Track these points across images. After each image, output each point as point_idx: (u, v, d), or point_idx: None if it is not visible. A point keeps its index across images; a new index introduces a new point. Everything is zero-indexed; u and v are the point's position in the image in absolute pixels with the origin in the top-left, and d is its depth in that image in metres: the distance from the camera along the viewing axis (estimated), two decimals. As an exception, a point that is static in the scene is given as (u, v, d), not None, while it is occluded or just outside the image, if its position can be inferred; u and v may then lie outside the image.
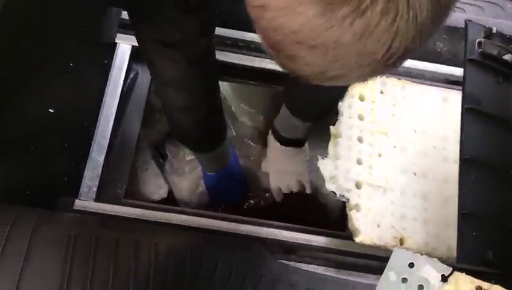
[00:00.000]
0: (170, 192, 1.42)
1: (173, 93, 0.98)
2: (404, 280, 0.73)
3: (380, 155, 1.09)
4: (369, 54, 0.43)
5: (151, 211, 1.04)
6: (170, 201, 1.39)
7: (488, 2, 1.45)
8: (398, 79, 1.18)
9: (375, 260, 1.05)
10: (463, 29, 1.00)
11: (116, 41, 1.17)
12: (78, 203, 1.03)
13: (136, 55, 1.19)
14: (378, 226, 1.04)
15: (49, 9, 1.15)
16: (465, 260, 0.85)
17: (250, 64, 1.20)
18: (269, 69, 1.20)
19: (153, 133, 1.39)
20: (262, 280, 0.96)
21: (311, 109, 1.13)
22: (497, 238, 0.87)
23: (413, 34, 0.43)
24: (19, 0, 1.15)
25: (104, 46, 1.17)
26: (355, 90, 1.13)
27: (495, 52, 0.97)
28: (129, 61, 1.18)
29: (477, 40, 0.97)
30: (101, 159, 1.09)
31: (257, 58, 1.20)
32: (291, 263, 1.04)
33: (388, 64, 0.45)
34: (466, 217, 0.87)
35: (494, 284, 0.72)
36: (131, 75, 1.20)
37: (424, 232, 1.05)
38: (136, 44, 1.16)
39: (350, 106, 1.11)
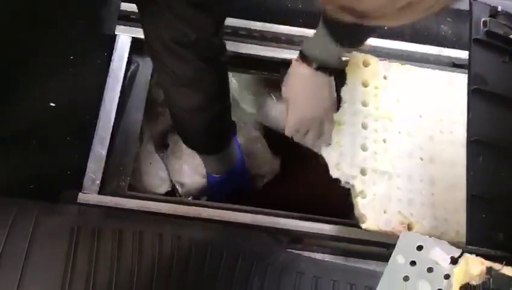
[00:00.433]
0: (174, 185, 1.41)
1: (186, 93, 0.96)
2: (413, 263, 0.72)
3: (384, 141, 1.08)
4: None
5: (155, 203, 1.03)
6: (174, 194, 1.39)
7: (493, -17, 1.43)
8: (402, 64, 1.16)
9: (382, 247, 1.04)
10: (467, 11, 0.98)
11: (116, 33, 1.16)
12: (82, 197, 1.03)
13: (136, 47, 1.18)
14: (384, 212, 1.02)
15: (48, 2, 1.14)
16: (474, 243, 0.84)
17: (250, 53, 1.19)
18: (270, 57, 1.19)
19: (155, 126, 1.39)
20: (269, 269, 0.94)
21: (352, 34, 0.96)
22: (507, 220, 0.85)
23: None
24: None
25: (104, 38, 1.16)
26: (358, 76, 1.11)
27: (501, 31, 0.95)
28: (129, 53, 1.16)
29: (482, 20, 0.95)
30: (104, 152, 1.08)
31: (258, 46, 1.18)
32: (298, 252, 1.02)
33: None
34: (475, 199, 0.86)
35: (504, 265, 0.70)
36: (132, 67, 1.19)
37: (432, 217, 1.04)
38: (136, 35, 1.17)
39: (353, 92, 1.10)
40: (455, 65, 1.21)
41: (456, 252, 0.71)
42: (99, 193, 1.06)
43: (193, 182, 1.32)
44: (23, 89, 1.10)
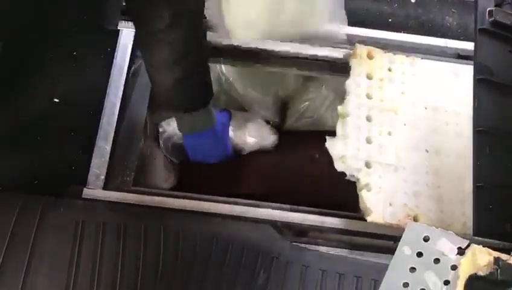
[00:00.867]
0: (180, 181, 1.41)
1: (158, 46, 0.96)
2: (419, 254, 0.71)
3: (389, 133, 1.07)
4: None
5: (160, 198, 1.03)
6: (179, 190, 1.38)
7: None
8: (407, 56, 1.15)
9: (388, 240, 1.03)
10: (472, 2, 0.97)
11: (119, 28, 1.16)
12: (86, 192, 1.02)
13: (139, 42, 1.18)
14: (390, 204, 1.02)
15: (50, -2, 1.14)
16: (482, 234, 0.83)
17: (253, 46, 1.18)
18: (275, 51, 1.18)
19: (159, 120, 1.38)
20: (275, 262, 0.94)
21: None
22: (513, 210, 0.84)
23: None
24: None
25: (107, 33, 1.15)
26: (362, 68, 1.10)
27: (507, 21, 0.94)
28: (133, 47, 1.16)
29: (488, 9, 0.94)
30: (108, 147, 1.08)
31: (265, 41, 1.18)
32: (304, 245, 1.02)
33: None
34: (481, 190, 0.85)
35: (512, 255, 0.69)
36: (136, 62, 1.18)
37: (438, 210, 1.03)
38: (139, 30, 1.17)
39: (358, 85, 1.09)
40: (460, 56, 1.20)
41: (463, 243, 0.70)
42: (104, 188, 1.06)
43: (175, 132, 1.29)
44: (27, 86, 1.10)
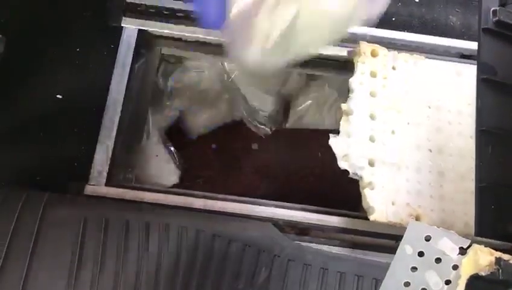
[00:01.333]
0: (182, 178, 1.41)
1: None
2: (421, 253, 0.71)
3: (393, 132, 1.07)
4: None
5: (162, 195, 1.03)
6: (181, 187, 1.39)
7: (503, -26, 1.41)
8: (411, 54, 1.15)
9: (390, 239, 1.03)
10: (476, 2, 0.97)
11: (122, 25, 1.16)
12: (89, 188, 1.03)
13: (143, 39, 1.18)
14: (393, 203, 1.01)
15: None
16: (483, 234, 0.82)
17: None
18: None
19: (162, 118, 1.39)
20: (276, 260, 0.94)
21: None
22: (515, 209, 0.84)
23: None
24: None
25: (110, 30, 1.15)
26: (366, 66, 1.10)
27: (510, 20, 0.94)
28: (136, 45, 1.16)
29: (492, 9, 0.93)
30: (110, 143, 1.08)
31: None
32: (305, 244, 1.02)
33: None
34: (484, 190, 0.85)
35: (515, 256, 0.69)
36: (139, 59, 1.18)
37: (441, 209, 1.03)
38: (143, 27, 1.17)
39: (361, 83, 1.09)
40: (463, 56, 1.19)
41: (465, 243, 0.70)
42: (106, 184, 1.06)
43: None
44: (30, 82, 1.10)
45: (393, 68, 1.11)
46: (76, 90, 1.11)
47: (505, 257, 0.69)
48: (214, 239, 0.89)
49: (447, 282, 0.69)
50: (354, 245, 1.05)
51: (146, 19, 1.17)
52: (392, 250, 0.97)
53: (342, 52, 1.17)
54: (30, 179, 1.04)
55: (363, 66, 1.10)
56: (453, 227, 1.02)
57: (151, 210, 0.91)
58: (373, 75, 1.10)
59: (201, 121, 1.44)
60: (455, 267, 0.69)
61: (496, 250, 0.73)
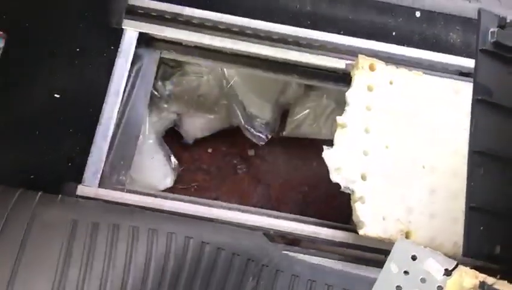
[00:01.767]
0: (176, 181, 1.41)
1: None
2: (406, 272, 0.71)
3: (387, 147, 1.07)
4: None
5: (153, 199, 1.03)
6: (175, 190, 1.39)
7: (505, -7, 1.41)
8: (409, 70, 1.15)
9: (380, 253, 1.03)
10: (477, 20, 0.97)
11: (123, 27, 1.16)
12: (81, 189, 1.03)
13: (143, 42, 1.18)
14: (383, 219, 1.02)
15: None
16: (471, 255, 0.83)
17: (256, 52, 1.18)
18: (278, 58, 1.18)
19: (159, 120, 1.39)
20: (264, 270, 0.94)
21: None
22: (505, 233, 0.84)
23: None
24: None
25: (110, 31, 1.15)
26: (364, 80, 1.10)
27: (509, 42, 0.94)
28: (136, 47, 1.16)
29: (490, 30, 0.94)
30: (106, 145, 1.09)
31: (264, 46, 1.18)
32: (294, 254, 1.02)
33: None
34: (474, 211, 0.85)
35: (499, 279, 0.69)
36: (138, 62, 1.19)
37: (431, 227, 1.03)
38: (143, 30, 1.17)
39: (358, 96, 1.09)
40: (462, 74, 1.20)
41: (451, 264, 0.71)
42: (99, 186, 1.06)
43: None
44: (29, 79, 1.11)
45: (391, 83, 1.12)
46: (74, 90, 1.12)
47: (489, 280, 0.69)
48: (203, 246, 0.89)
49: (431, 302, 0.70)
50: (344, 258, 1.06)
51: (147, 22, 1.17)
52: (382, 265, 0.97)
53: (341, 64, 1.17)
54: (24, 177, 1.04)
55: (360, 79, 1.10)
56: (442, 245, 1.02)
57: (141, 215, 0.91)
58: (370, 89, 1.10)
59: (198, 125, 1.44)
60: (440, 288, 0.70)
61: (483, 271, 0.73)
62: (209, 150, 1.48)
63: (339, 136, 1.06)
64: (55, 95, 1.11)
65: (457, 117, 1.11)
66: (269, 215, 1.08)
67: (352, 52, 1.18)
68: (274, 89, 1.42)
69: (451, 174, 1.07)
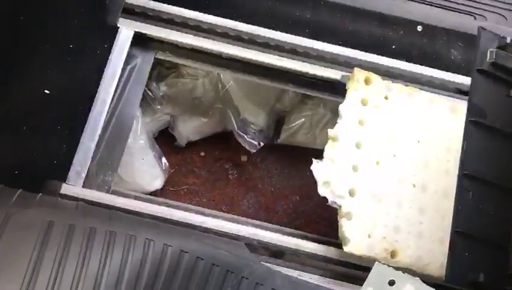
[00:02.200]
0: (166, 183, 1.40)
1: None
2: (383, 297, 0.69)
3: (378, 163, 1.05)
4: None
5: (136, 202, 1.02)
6: (165, 192, 1.38)
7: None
8: (406, 85, 1.13)
9: (365, 271, 1.01)
10: (480, 37, 0.95)
11: (118, 25, 1.15)
12: (65, 188, 1.02)
13: (138, 41, 1.16)
14: (369, 236, 0.99)
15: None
16: (453, 280, 0.81)
17: (253, 58, 1.16)
18: (273, 65, 1.17)
19: (152, 122, 1.37)
20: (244, 282, 0.92)
21: None
22: (490, 260, 0.82)
23: None
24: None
25: (105, 29, 1.14)
26: (358, 93, 1.08)
27: (508, 63, 0.92)
28: (130, 46, 1.15)
29: (489, 50, 0.92)
30: (93, 144, 1.07)
31: (260, 53, 1.16)
32: (277, 267, 1.00)
33: None
34: (459, 235, 0.83)
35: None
36: (132, 61, 1.17)
37: (418, 247, 1.01)
38: (139, 30, 1.15)
39: (351, 110, 1.07)
40: (460, 92, 1.17)
41: (429, 292, 0.69)
42: (84, 185, 1.05)
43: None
44: (19, 74, 1.09)
45: (386, 98, 1.10)
46: (65, 87, 1.10)
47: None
48: (181, 255, 0.87)
49: (407, 330, 0.68)
50: (327, 273, 1.04)
51: (143, 22, 1.16)
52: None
53: (337, 75, 1.15)
54: (8, 172, 1.02)
55: (354, 92, 1.08)
56: (428, 266, 1.00)
57: (120, 220, 0.90)
58: (364, 103, 1.08)
59: (192, 128, 1.42)
60: (416, 315, 0.68)
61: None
62: (202, 154, 1.47)
63: (329, 149, 1.04)
64: (45, 91, 1.09)
65: (452, 136, 1.09)
66: (253, 225, 1.06)
67: (349, 64, 1.16)
68: (270, 95, 1.40)
69: (442, 194, 1.05)
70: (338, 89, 1.15)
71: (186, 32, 1.16)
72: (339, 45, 1.17)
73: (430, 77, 1.17)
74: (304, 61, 1.17)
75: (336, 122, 1.06)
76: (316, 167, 1.02)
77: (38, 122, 1.07)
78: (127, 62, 1.15)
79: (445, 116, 1.11)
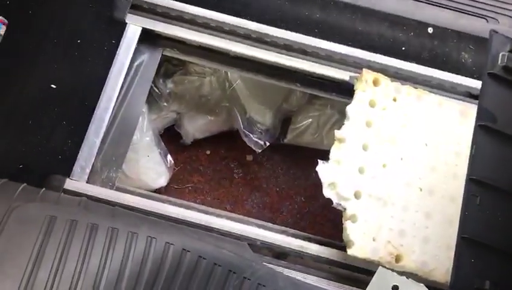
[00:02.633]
0: (171, 181, 1.39)
1: None
2: (386, 303, 0.68)
3: (384, 166, 1.04)
4: None
5: (140, 199, 1.01)
6: (169, 190, 1.37)
7: (525, 14, 1.36)
8: (415, 87, 1.11)
9: (368, 275, 0.99)
10: (492, 40, 0.93)
11: (126, 21, 1.14)
12: (69, 183, 1.01)
13: (145, 38, 1.16)
14: (373, 240, 0.98)
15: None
16: (459, 287, 0.79)
17: (260, 57, 1.15)
18: (281, 64, 1.15)
19: (158, 119, 1.37)
20: (246, 282, 0.91)
21: None
22: (496, 268, 0.81)
23: None
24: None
25: (113, 24, 1.14)
26: (366, 95, 1.07)
27: (520, 68, 0.90)
28: (138, 43, 1.14)
29: (501, 53, 0.90)
30: (98, 140, 1.07)
31: (268, 52, 1.15)
32: (280, 269, 1.00)
33: None
34: (466, 241, 0.82)
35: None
36: (139, 58, 1.17)
37: (423, 252, 0.99)
38: (147, 26, 1.15)
39: (359, 111, 1.06)
40: (471, 95, 1.16)
41: (434, 298, 0.67)
42: (88, 181, 1.04)
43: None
44: (27, 69, 1.09)
45: (394, 100, 1.08)
46: (71, 82, 1.10)
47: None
48: (183, 254, 0.86)
49: (410, 336, 0.67)
50: (331, 276, 1.03)
51: (151, 18, 1.15)
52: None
53: (345, 76, 1.14)
54: (12, 165, 1.03)
55: (363, 94, 1.07)
56: (433, 272, 0.99)
57: (122, 216, 0.89)
58: (372, 104, 1.07)
59: (198, 126, 1.41)
60: (419, 322, 0.66)
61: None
62: (207, 152, 1.46)
63: (335, 151, 1.03)
64: (52, 86, 1.09)
65: (461, 141, 1.07)
66: (257, 226, 1.05)
67: (358, 65, 1.14)
68: (277, 95, 1.39)
69: (449, 199, 1.03)
70: (346, 89, 1.15)
71: (194, 30, 1.16)
72: (348, 45, 1.16)
73: (439, 80, 1.16)
74: (312, 61, 1.16)
75: (343, 124, 1.05)
76: (322, 168, 1.01)
77: (43, 116, 1.07)
78: (134, 58, 1.15)
79: (454, 120, 1.10)
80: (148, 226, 0.87)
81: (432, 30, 1.21)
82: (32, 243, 0.77)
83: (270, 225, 1.08)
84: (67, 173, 1.03)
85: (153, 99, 1.34)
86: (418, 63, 1.17)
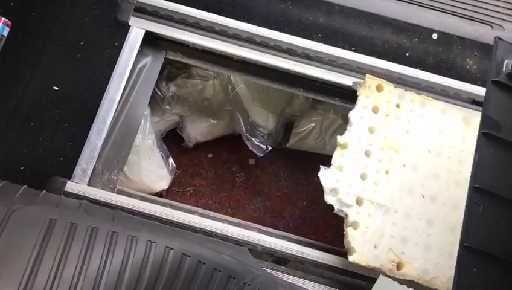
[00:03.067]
0: (172, 184, 1.39)
1: None
2: (386, 311, 0.67)
3: (387, 172, 1.03)
4: None
5: (140, 202, 1.01)
6: (170, 193, 1.37)
7: (531, 21, 1.35)
8: (418, 94, 1.11)
9: (370, 282, 0.99)
10: (496, 47, 0.92)
11: (129, 23, 1.14)
12: (70, 186, 1.01)
13: (148, 41, 1.16)
14: (375, 247, 0.97)
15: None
16: (460, 297, 0.78)
17: (264, 61, 1.15)
18: (284, 69, 1.15)
19: (160, 121, 1.37)
20: (246, 289, 0.91)
21: None
22: (499, 278, 0.80)
23: None
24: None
25: (117, 27, 1.14)
26: (369, 100, 1.06)
27: (525, 76, 0.89)
28: (141, 45, 1.14)
29: (506, 61, 0.89)
30: (100, 142, 1.07)
31: (272, 56, 1.15)
32: (280, 274, 0.99)
33: None
34: (468, 250, 0.81)
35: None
36: (142, 60, 1.17)
37: (425, 259, 0.98)
38: (150, 29, 1.15)
39: (361, 117, 1.05)
40: (475, 102, 1.15)
41: (434, 308, 0.67)
42: (89, 184, 1.04)
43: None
44: (29, 70, 1.09)
45: (398, 106, 1.07)
46: (74, 84, 1.10)
47: (474, 330, 0.65)
48: (183, 258, 0.86)
49: None
50: (331, 283, 1.02)
51: (154, 21, 1.15)
52: (369, 294, 0.93)
53: (348, 81, 1.13)
54: (13, 167, 1.02)
55: (366, 100, 1.06)
56: (435, 280, 0.98)
57: (122, 220, 0.89)
58: (375, 110, 1.06)
59: (200, 129, 1.41)
60: (420, 332, 0.66)
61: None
62: (210, 155, 1.46)
63: (337, 157, 1.03)
64: (54, 88, 1.09)
65: (464, 148, 1.06)
66: (258, 231, 1.05)
67: (361, 70, 1.14)
68: (280, 99, 1.39)
69: (452, 206, 1.03)
70: (349, 95, 1.14)
71: (197, 33, 1.15)
72: (352, 50, 1.16)
73: (443, 86, 1.15)
74: (315, 66, 1.15)
75: (346, 129, 1.04)
76: (324, 174, 1.00)
77: (45, 118, 1.06)
78: (137, 61, 1.15)
79: (458, 127, 1.09)
80: (148, 230, 0.87)
81: (436, 36, 1.21)
82: (31, 246, 0.77)
83: (271, 230, 1.07)
84: (68, 175, 1.03)
85: (155, 102, 1.34)
86: (422, 69, 1.16)
